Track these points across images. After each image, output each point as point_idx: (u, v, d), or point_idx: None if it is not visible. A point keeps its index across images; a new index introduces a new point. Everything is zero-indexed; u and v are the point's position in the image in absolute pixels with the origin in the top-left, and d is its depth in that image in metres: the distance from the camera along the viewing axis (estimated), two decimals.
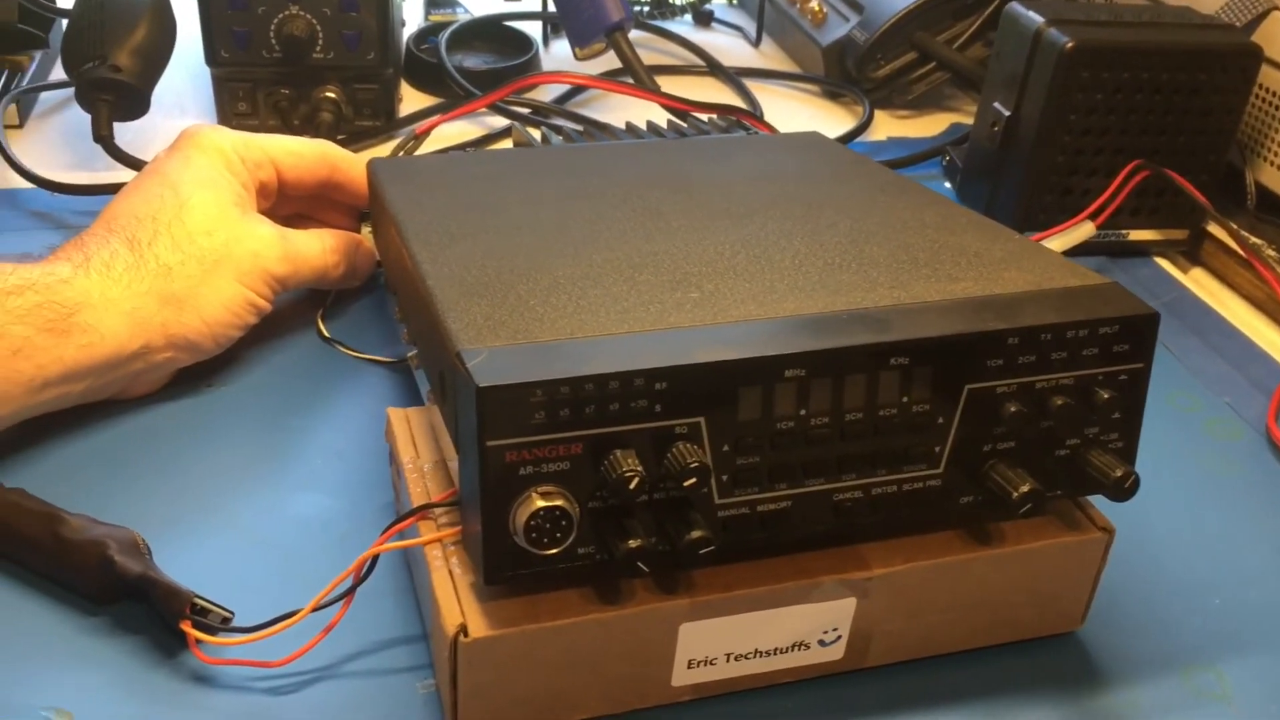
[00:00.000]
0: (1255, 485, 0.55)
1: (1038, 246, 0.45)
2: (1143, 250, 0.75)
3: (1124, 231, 0.73)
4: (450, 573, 0.39)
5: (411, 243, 0.45)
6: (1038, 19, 0.68)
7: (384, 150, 0.79)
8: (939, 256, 0.44)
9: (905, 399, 0.39)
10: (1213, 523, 0.52)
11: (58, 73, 0.81)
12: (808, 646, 0.41)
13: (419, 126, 0.74)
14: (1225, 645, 0.46)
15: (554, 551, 0.36)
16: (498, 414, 0.34)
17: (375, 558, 0.41)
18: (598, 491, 0.36)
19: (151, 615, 0.43)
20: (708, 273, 0.42)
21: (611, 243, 0.45)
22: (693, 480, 0.36)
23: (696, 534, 0.36)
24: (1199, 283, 0.73)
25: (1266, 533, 0.52)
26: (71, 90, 0.71)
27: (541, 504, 0.35)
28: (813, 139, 0.62)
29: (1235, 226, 0.69)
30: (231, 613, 0.42)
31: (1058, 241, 0.68)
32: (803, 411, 0.38)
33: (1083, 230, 0.69)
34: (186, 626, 0.41)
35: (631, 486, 0.35)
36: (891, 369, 0.38)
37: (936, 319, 0.39)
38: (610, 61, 0.84)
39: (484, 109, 0.80)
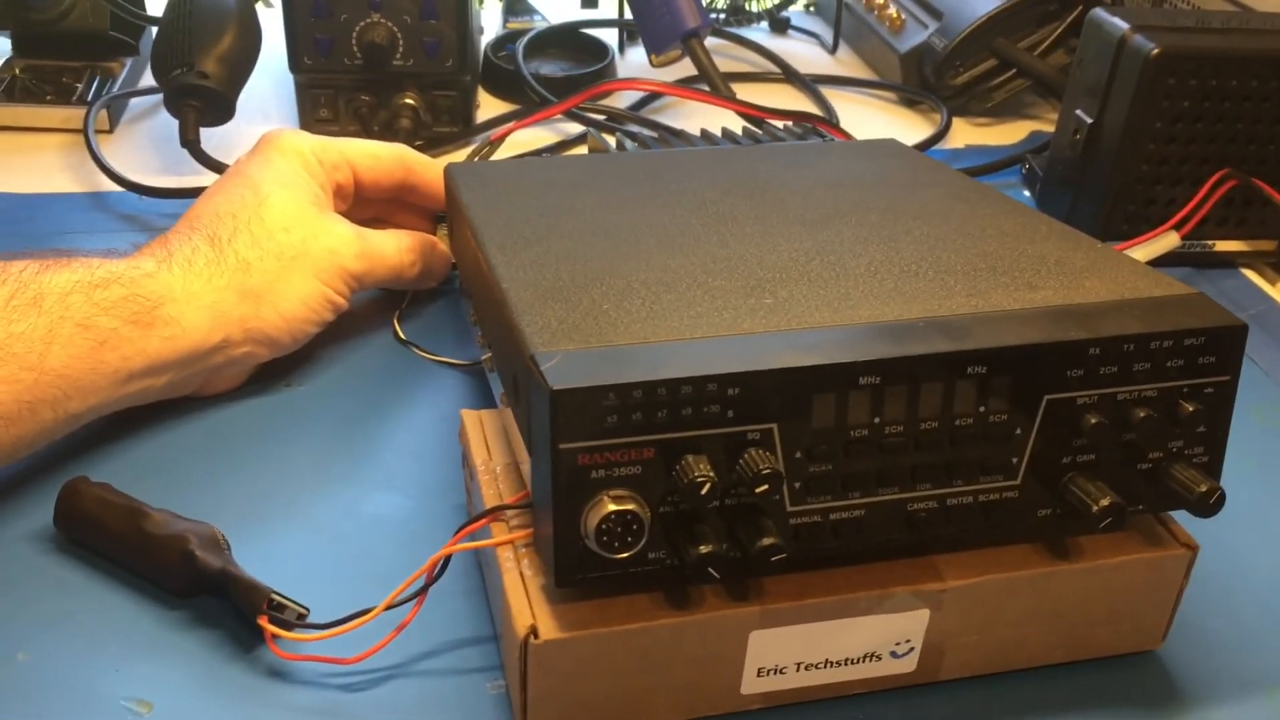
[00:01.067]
0: None
1: (1121, 255, 0.44)
2: (1229, 261, 0.73)
3: (1209, 242, 0.71)
4: (521, 574, 0.39)
5: (487, 246, 0.46)
6: (1122, 25, 0.66)
7: (461, 156, 0.80)
8: (1018, 264, 0.43)
9: (982, 409, 0.38)
10: None
11: (147, 79, 0.83)
12: (879, 658, 0.41)
13: (494, 133, 0.74)
14: None
15: (625, 555, 0.36)
16: (570, 417, 0.35)
17: (447, 558, 0.41)
18: (669, 496, 0.36)
19: (230, 610, 0.44)
20: (781, 279, 0.42)
21: (686, 248, 0.45)
22: (765, 487, 0.35)
23: (768, 541, 0.36)
24: None
25: None
26: (160, 96, 0.73)
27: (613, 507, 0.35)
28: (889, 146, 0.61)
29: None
30: (307, 609, 0.43)
31: (1142, 251, 0.67)
32: (877, 420, 0.37)
33: (1167, 240, 0.67)
34: (264, 622, 0.41)
35: (703, 492, 0.35)
36: (968, 378, 0.37)
37: (1015, 328, 0.38)
38: (686, 68, 0.84)
39: (559, 115, 0.81)
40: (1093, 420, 0.38)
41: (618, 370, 0.35)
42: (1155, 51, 0.64)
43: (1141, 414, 0.39)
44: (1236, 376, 0.40)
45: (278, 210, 0.55)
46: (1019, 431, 0.39)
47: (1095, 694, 0.43)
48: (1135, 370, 0.39)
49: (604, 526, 0.35)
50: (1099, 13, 0.69)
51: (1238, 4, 0.81)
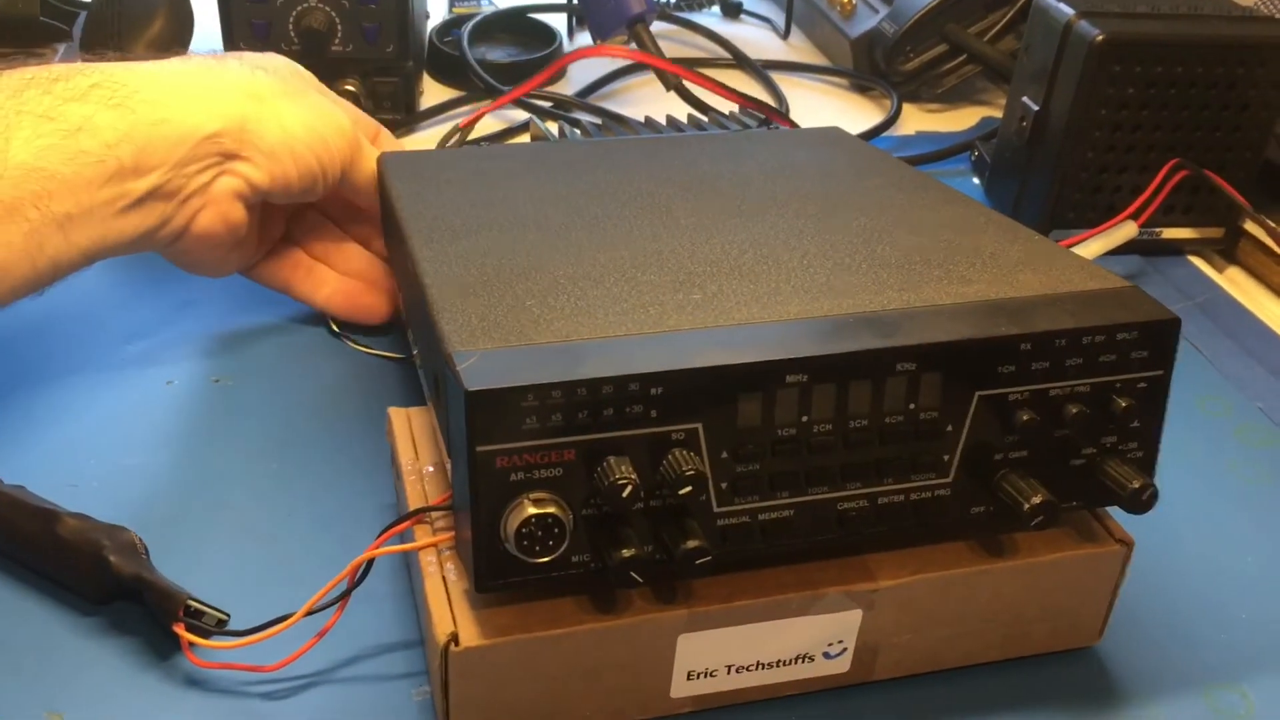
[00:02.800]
0: None
1: (1057, 248, 0.44)
2: (1177, 249, 0.72)
3: (1157, 230, 0.71)
4: (444, 579, 0.38)
5: (412, 239, 0.44)
6: (1068, 11, 0.66)
7: (405, 143, 0.78)
8: (953, 257, 0.43)
9: (912, 406, 0.37)
10: (1241, 534, 0.50)
11: None
12: (812, 659, 0.40)
13: (463, 119, 0.72)
14: (1251, 662, 0.44)
15: (546, 560, 0.35)
16: (488, 418, 0.34)
17: (371, 561, 0.40)
18: (592, 499, 0.35)
19: (148, 616, 0.42)
20: (712, 273, 0.41)
21: (617, 241, 0.44)
22: (688, 488, 0.35)
23: (692, 544, 0.35)
24: (1235, 282, 0.71)
25: None
26: None
27: (533, 511, 0.34)
28: (833, 134, 0.61)
29: (1274, 225, 0.66)
30: (227, 615, 0.42)
31: (1099, 242, 0.66)
32: (805, 418, 0.36)
33: (1125, 230, 0.67)
34: (180, 629, 0.40)
35: (624, 494, 0.34)
36: (898, 375, 0.37)
37: (946, 323, 0.38)
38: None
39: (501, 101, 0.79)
40: (1024, 417, 0.38)
41: (537, 370, 0.34)
42: (1100, 38, 0.63)
43: (1074, 410, 0.38)
44: (1170, 371, 0.39)
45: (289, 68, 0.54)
46: (950, 429, 0.38)
47: (1033, 692, 0.42)
48: (1067, 365, 0.38)
49: (524, 530, 0.34)
50: None
51: None
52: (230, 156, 0.50)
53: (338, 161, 0.54)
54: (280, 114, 0.51)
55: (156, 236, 0.49)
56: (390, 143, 0.60)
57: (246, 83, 0.51)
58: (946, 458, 0.38)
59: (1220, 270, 0.72)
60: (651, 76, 0.79)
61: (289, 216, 0.59)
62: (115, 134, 0.46)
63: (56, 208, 0.44)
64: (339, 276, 0.59)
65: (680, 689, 0.39)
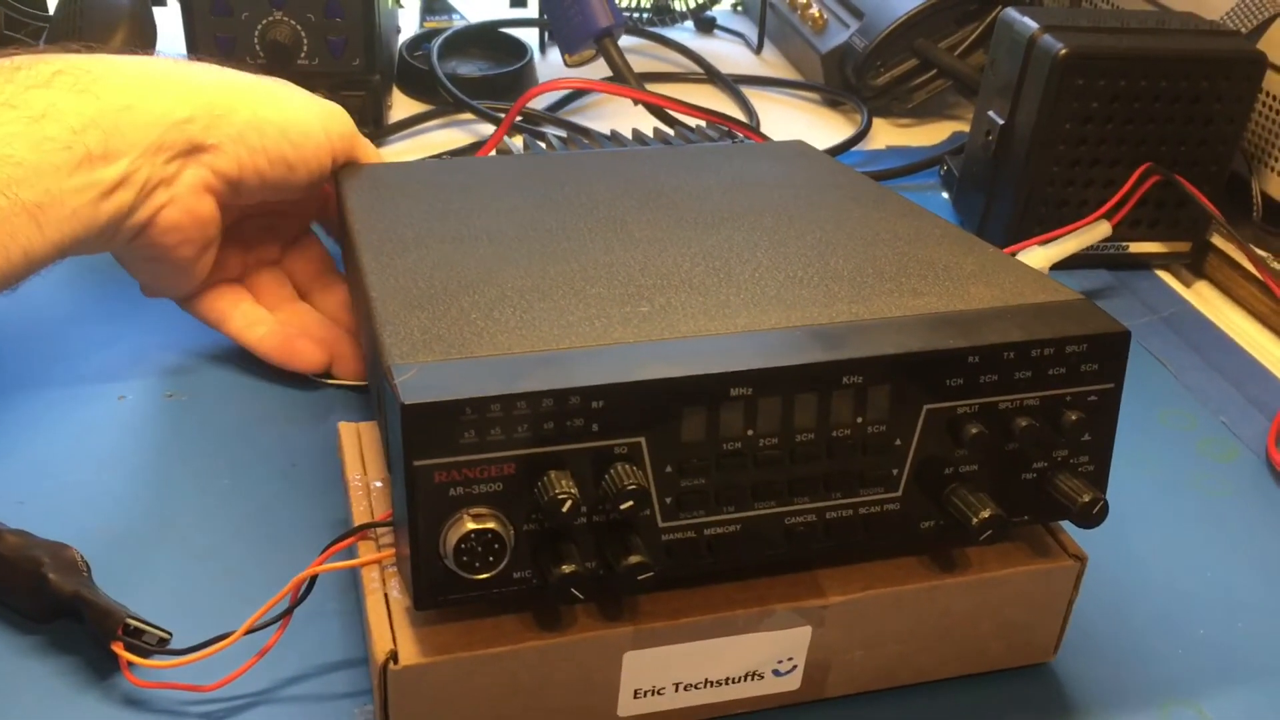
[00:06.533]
0: (1248, 509, 0.52)
1: (1011, 260, 0.43)
2: (1144, 263, 0.72)
3: (1125, 244, 0.71)
4: (386, 596, 0.38)
5: (362, 251, 0.44)
6: (1032, 25, 0.66)
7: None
8: (905, 270, 0.42)
9: (859, 419, 0.37)
10: (1201, 548, 0.50)
11: None
12: (762, 676, 0.40)
13: (479, 151, 0.71)
14: (1208, 678, 0.44)
15: (487, 576, 0.35)
16: (424, 432, 0.33)
17: (314, 579, 0.40)
18: (533, 514, 0.35)
19: (88, 635, 0.41)
20: (661, 286, 0.41)
21: (568, 254, 0.44)
22: (629, 503, 0.34)
23: (634, 559, 0.35)
24: (1202, 296, 0.71)
25: (1257, 559, 0.49)
26: None
27: (472, 526, 0.34)
28: (796, 148, 0.60)
29: (1240, 238, 0.66)
30: (169, 633, 0.41)
31: (1074, 241, 0.66)
32: (750, 432, 0.36)
33: (1099, 230, 0.66)
34: (118, 648, 0.39)
35: (564, 509, 0.34)
36: (844, 388, 0.36)
37: (893, 336, 0.37)
38: (603, 69, 0.82)
39: (470, 116, 0.79)
40: (973, 430, 0.37)
41: (477, 383, 0.34)
42: (1063, 52, 0.63)
43: (1023, 423, 0.38)
44: (1120, 384, 0.39)
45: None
46: (899, 442, 0.37)
47: (989, 709, 0.42)
48: (1016, 379, 0.38)
49: (464, 546, 0.34)
50: (1010, 13, 0.68)
51: (1156, 4, 0.81)
52: (199, 148, 0.49)
53: (322, 154, 0.52)
54: (254, 101, 0.50)
55: (122, 228, 0.48)
56: (371, 153, 0.58)
57: (218, 74, 0.50)
58: (895, 471, 0.38)
59: (1188, 285, 0.72)
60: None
61: (249, 265, 0.57)
62: (81, 120, 0.44)
63: (25, 195, 0.42)
64: (277, 321, 0.57)
65: (627, 707, 0.39)
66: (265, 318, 0.57)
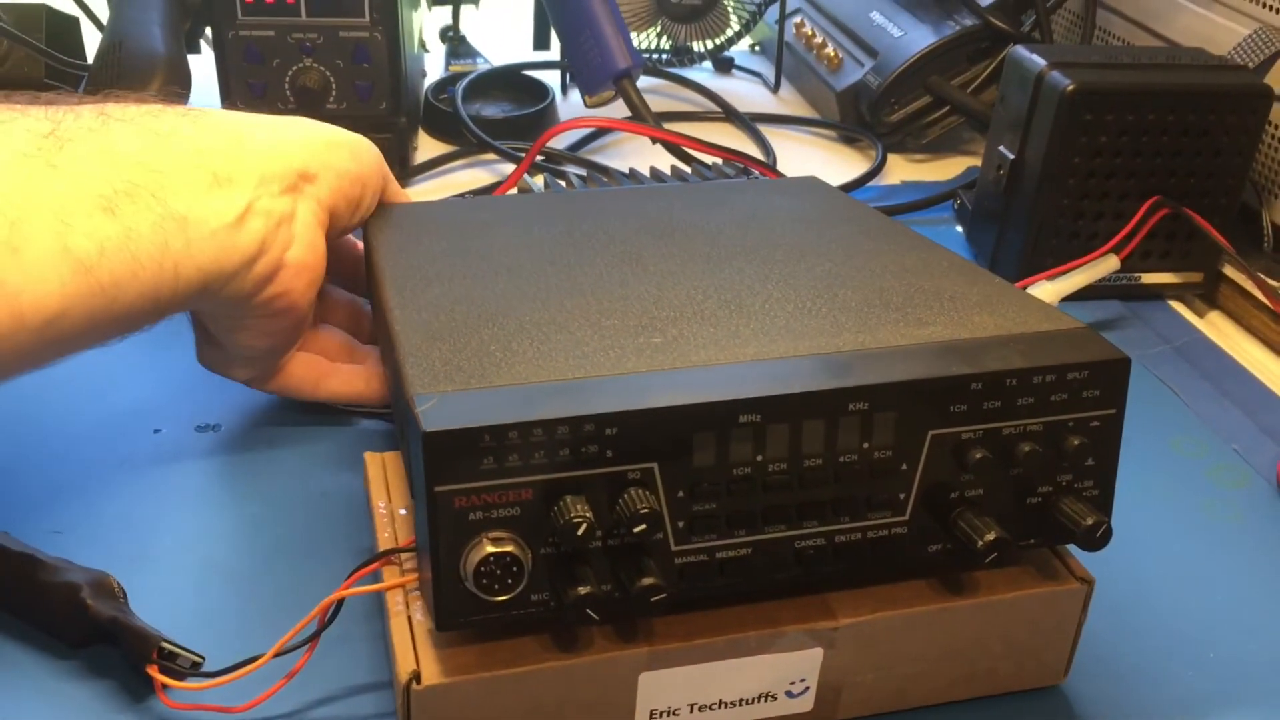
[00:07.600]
0: (1259, 535, 0.53)
1: (1016, 291, 0.45)
2: (1157, 294, 0.73)
3: (1137, 275, 0.72)
4: (409, 619, 0.39)
5: (386, 286, 0.45)
6: (1040, 62, 0.67)
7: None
8: (912, 300, 0.43)
9: (866, 445, 0.38)
10: (1212, 573, 0.50)
11: None
12: (775, 698, 0.41)
13: (498, 189, 0.73)
14: (1219, 702, 0.44)
15: (505, 598, 0.36)
16: (445, 459, 0.34)
17: (340, 602, 0.41)
18: (550, 538, 0.36)
19: (124, 659, 0.43)
20: (674, 318, 0.42)
21: (585, 288, 0.45)
22: (642, 526, 0.35)
23: (648, 581, 0.36)
24: (1215, 327, 0.71)
25: (1268, 584, 0.50)
26: None
27: (492, 549, 0.35)
28: (809, 184, 0.62)
29: (1250, 269, 0.67)
30: (202, 657, 0.42)
31: (1082, 275, 0.67)
32: (759, 457, 0.37)
33: (1106, 264, 0.67)
34: (153, 671, 0.41)
35: (579, 533, 0.35)
36: (851, 414, 0.37)
37: (898, 363, 0.38)
38: (622, 109, 0.84)
39: (493, 156, 0.81)
40: (977, 455, 0.38)
41: (495, 411, 0.35)
42: (1070, 87, 0.65)
43: (1026, 448, 0.39)
44: (1122, 410, 0.40)
45: None
46: (905, 467, 0.39)
47: None
48: (1019, 405, 0.39)
49: (483, 569, 0.35)
50: (1019, 50, 0.70)
51: (1166, 41, 0.82)
52: (305, 177, 0.47)
53: (378, 179, 0.53)
54: (316, 126, 0.50)
55: (255, 268, 0.45)
56: (399, 193, 0.57)
57: (271, 117, 0.49)
58: (903, 496, 0.39)
59: (1201, 315, 0.73)
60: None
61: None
62: (199, 145, 0.43)
63: (174, 204, 0.40)
64: (369, 368, 0.56)
65: None
66: (357, 369, 0.56)
